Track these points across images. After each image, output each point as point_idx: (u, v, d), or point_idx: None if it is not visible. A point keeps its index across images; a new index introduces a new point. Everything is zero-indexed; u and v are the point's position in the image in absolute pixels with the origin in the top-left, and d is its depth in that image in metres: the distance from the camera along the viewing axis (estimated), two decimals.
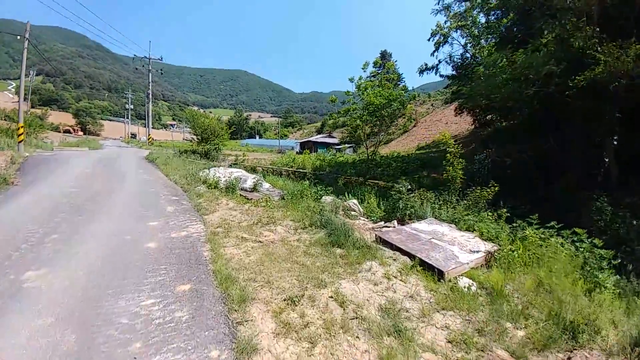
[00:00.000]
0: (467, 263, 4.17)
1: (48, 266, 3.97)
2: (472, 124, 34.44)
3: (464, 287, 3.78)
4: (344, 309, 3.22)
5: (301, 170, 20.88)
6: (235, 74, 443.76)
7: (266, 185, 10.27)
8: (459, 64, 21.79)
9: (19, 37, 17.80)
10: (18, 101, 14.92)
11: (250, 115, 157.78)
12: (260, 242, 5.19)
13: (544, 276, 4.28)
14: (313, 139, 62.10)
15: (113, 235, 5.20)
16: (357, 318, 3.07)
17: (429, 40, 25.76)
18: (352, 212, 7.18)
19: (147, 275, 3.83)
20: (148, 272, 3.94)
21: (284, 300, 3.32)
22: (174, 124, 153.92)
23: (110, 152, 23.68)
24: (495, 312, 3.56)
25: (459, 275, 4.03)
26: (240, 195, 8.96)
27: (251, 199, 8.40)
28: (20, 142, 14.84)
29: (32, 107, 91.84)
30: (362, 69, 18.91)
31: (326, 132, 78.82)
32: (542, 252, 4.82)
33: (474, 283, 3.94)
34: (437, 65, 25.28)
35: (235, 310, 3.08)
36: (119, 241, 4.95)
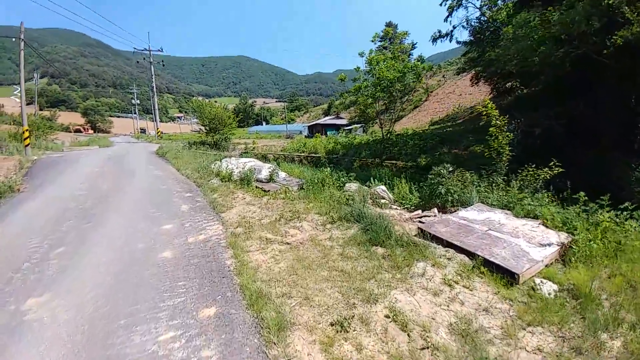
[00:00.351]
0: (541, 260, 3.44)
1: (52, 290, 3.44)
2: (490, 94, 32.76)
3: (547, 293, 3.07)
4: (408, 334, 2.56)
5: (314, 155, 20.14)
6: (237, 60, 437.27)
7: (282, 174, 9.61)
8: (477, 28, 20.14)
9: (14, 39, 17.20)
10: (20, 105, 14.46)
11: (255, 101, 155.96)
12: (287, 243, 4.56)
13: (627, 270, 3.54)
14: (321, 121, 60.81)
15: (124, 244, 4.66)
16: (428, 347, 2.41)
17: (440, 4, 23.96)
18: (382, 200, 6.47)
19: (164, 297, 3.25)
20: (165, 292, 3.36)
21: (331, 324, 2.69)
22: (182, 116, 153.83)
23: (120, 149, 23.36)
24: (589, 321, 2.86)
25: (533, 276, 3.32)
26: (256, 187, 8.34)
27: (268, 190, 7.77)
28: (27, 145, 14.50)
29: (41, 109, 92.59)
30: (372, 41, 17.75)
31: (334, 113, 77.20)
32: (618, 238, 4.05)
33: (554, 285, 3.23)
34: (452, 31, 23.60)
35: (274, 344, 2.47)
36: (131, 252, 4.39)
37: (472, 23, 22.36)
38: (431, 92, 54.40)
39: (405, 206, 6.34)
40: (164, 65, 35.84)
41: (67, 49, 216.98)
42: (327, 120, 59.39)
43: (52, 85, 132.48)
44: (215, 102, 46.69)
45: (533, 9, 12.57)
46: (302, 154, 21.39)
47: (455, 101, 46.47)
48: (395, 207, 6.30)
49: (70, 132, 69.71)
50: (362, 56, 19.63)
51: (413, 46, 17.63)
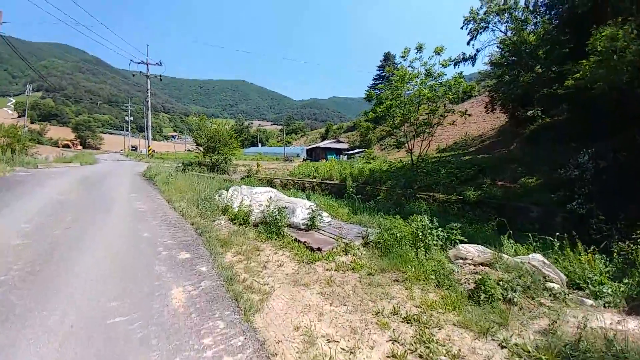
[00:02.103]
0: None
1: None
2: (505, 122, 30.88)
3: None
4: None
5: (331, 183, 17.18)
6: (234, 84, 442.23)
7: (326, 216, 6.53)
8: (512, 50, 18.17)
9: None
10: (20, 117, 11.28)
11: (251, 123, 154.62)
12: None
13: None
14: (322, 144, 58.53)
15: None
16: None
17: (462, 28, 22.25)
18: (551, 285, 3.46)
19: None
20: None
21: None
22: (176, 135, 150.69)
23: (102, 168, 19.97)
24: None
25: None
26: (293, 238, 5.25)
27: (318, 248, 4.68)
28: None
29: (32, 122, 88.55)
30: (402, 56, 15.35)
31: (332, 137, 75.49)
32: None
33: None
34: (475, 55, 21.79)
35: None
36: None
37: (497, 46, 20.66)
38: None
39: (602, 297, 3.31)
40: (161, 79, 33.22)
41: (64, 64, 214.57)
42: (328, 144, 57.19)
43: (45, 99, 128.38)
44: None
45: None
46: (315, 180, 18.44)
47: (460, 129, 44.90)
48: (590, 302, 3.25)
49: (59, 146, 65.61)
50: (389, 74, 17.30)
51: (457, 62, 15.08)
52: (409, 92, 15.64)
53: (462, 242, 4.76)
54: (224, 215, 7.16)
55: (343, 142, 59.13)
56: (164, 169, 15.65)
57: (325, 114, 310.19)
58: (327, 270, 4.05)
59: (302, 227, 5.82)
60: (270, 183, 19.24)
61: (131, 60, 30.72)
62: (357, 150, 49.22)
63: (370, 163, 23.01)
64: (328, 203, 9.81)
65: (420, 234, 4.37)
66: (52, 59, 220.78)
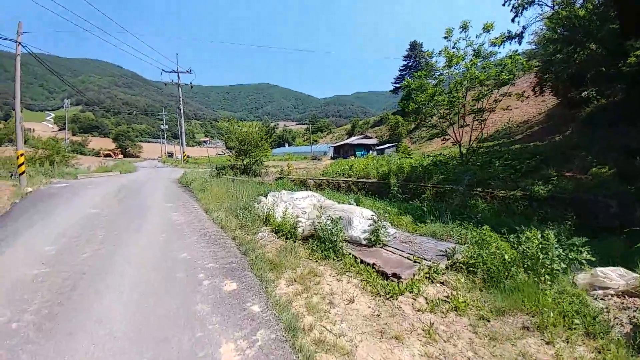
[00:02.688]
0: None
1: None
2: (554, 105, 27.92)
3: None
4: None
5: (368, 181, 16.01)
6: (258, 87, 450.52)
7: (391, 228, 5.42)
8: (565, 25, 15.89)
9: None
10: (15, 118, 11.34)
11: (277, 124, 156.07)
12: None
13: None
14: (349, 141, 57.15)
15: None
16: None
17: (504, 4, 20.03)
18: None
19: None
20: None
21: None
22: (207, 140, 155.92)
23: (140, 176, 20.20)
24: None
25: None
26: (356, 259, 4.24)
27: (393, 274, 3.62)
28: (21, 173, 11.24)
29: (73, 134, 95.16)
30: (445, 37, 13.75)
31: (358, 133, 73.84)
32: None
33: None
34: (522, 32, 19.52)
35: None
36: None
37: (543, 24, 18.33)
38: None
39: None
40: (192, 87, 33.58)
41: (101, 78, 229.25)
42: (356, 140, 55.70)
43: (85, 112, 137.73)
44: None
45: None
46: (350, 179, 17.34)
47: (501, 116, 41.70)
48: None
49: (100, 156, 69.68)
50: (431, 57, 15.79)
51: (503, 41, 13.23)
52: (447, 78, 14.08)
53: (589, 262, 3.49)
54: (265, 225, 6.32)
55: (371, 138, 57.37)
56: (198, 175, 15.31)
57: (350, 110, 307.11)
58: (418, 310, 2.98)
59: (364, 242, 4.78)
60: (303, 184, 18.43)
61: (162, 70, 31.24)
62: (387, 145, 47.36)
63: (407, 158, 21.46)
64: (373, 205, 8.69)
65: (541, 255, 3.16)
66: (88, 75, 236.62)
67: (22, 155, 11.29)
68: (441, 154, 19.65)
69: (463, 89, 13.48)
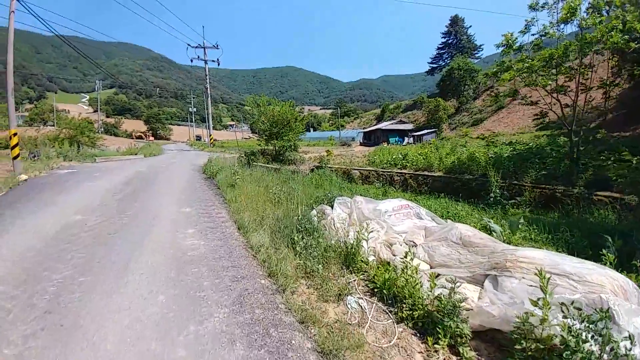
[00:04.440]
0: None
1: None
2: (628, 87, 22.54)
3: None
4: None
5: (431, 175, 12.66)
6: (284, 71, 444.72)
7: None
8: None
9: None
10: (6, 94, 8.95)
11: (302, 109, 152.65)
12: None
13: None
14: (381, 126, 52.91)
15: None
16: None
17: None
18: None
19: None
20: None
21: None
22: (234, 124, 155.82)
23: (163, 161, 17.96)
24: None
25: None
26: None
27: None
28: (15, 157, 8.96)
29: (107, 116, 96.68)
30: None
31: (388, 118, 69.03)
32: None
33: None
34: None
35: None
36: None
37: None
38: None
39: None
40: (219, 64, 30.90)
41: (133, 62, 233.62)
42: (389, 125, 51.40)
43: (118, 95, 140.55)
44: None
45: None
46: (405, 171, 14.03)
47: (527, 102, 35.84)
48: None
49: (133, 138, 70.02)
50: (535, 9, 11.70)
51: None
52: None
53: None
54: (350, 271, 3.35)
55: (406, 122, 52.69)
56: (226, 162, 12.65)
57: (375, 95, 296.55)
58: None
59: None
60: (347, 175, 15.34)
61: (188, 45, 28.66)
62: (425, 131, 42.81)
63: (466, 146, 17.66)
64: (470, 215, 5.49)
65: None
66: (122, 58, 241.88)
67: (15, 135, 8.95)
68: (527, 143, 15.75)
69: (590, 53, 9.57)
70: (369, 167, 15.34)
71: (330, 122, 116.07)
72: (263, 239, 4.10)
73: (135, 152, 25.03)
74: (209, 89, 30.66)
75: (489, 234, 4.45)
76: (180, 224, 4.93)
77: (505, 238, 4.63)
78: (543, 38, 11.20)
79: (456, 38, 68.48)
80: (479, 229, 4.74)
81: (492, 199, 8.83)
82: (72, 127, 21.88)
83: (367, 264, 3.48)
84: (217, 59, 29.65)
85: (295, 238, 3.78)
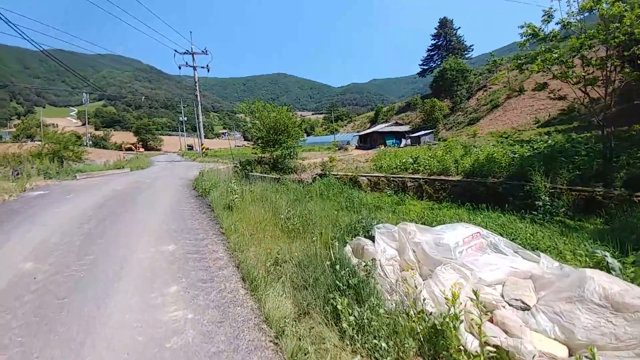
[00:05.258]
0: None
1: None
2: (633, 79, 21.63)
3: None
4: None
5: (449, 180, 11.33)
6: (274, 78, 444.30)
7: None
8: None
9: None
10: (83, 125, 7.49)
11: (295, 114, 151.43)
12: None
13: None
14: (377, 128, 51.87)
15: None
16: None
17: None
18: None
19: None
20: None
21: None
22: (226, 132, 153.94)
23: (149, 175, 16.32)
24: None
25: None
26: None
27: None
28: None
29: (96, 129, 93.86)
30: None
31: (382, 120, 68.24)
32: None
33: None
34: None
35: None
36: None
37: None
38: (516, 88, 43.27)
39: None
40: (209, 71, 29.41)
41: (122, 73, 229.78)
42: (385, 127, 50.39)
43: (107, 107, 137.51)
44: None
45: None
46: (418, 176, 12.69)
47: (544, 100, 35.29)
48: None
49: (122, 150, 67.78)
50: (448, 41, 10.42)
51: None
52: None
53: None
54: None
55: (402, 124, 51.73)
56: (220, 173, 11.13)
57: (366, 98, 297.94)
58: None
59: None
60: (354, 182, 13.94)
61: (175, 52, 27.15)
62: (422, 132, 41.77)
63: (518, 146, 16.43)
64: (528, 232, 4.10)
65: None
66: (109, 69, 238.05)
67: None
68: (545, 141, 14.55)
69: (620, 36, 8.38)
70: (378, 173, 13.95)
71: (323, 126, 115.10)
72: (283, 303, 2.63)
73: (122, 165, 23.25)
74: (199, 97, 29.11)
75: (607, 272, 3.07)
76: (158, 276, 3.41)
77: (626, 276, 3.25)
78: (562, 30, 10.14)
79: (446, 40, 68.27)
80: (584, 265, 3.36)
81: (540, 208, 7.49)
82: (55, 142, 20.15)
83: (468, 357, 2.04)
84: (207, 65, 28.17)
85: (339, 306, 2.33)
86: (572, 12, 9.81)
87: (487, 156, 11.97)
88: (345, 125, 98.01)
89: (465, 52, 68.57)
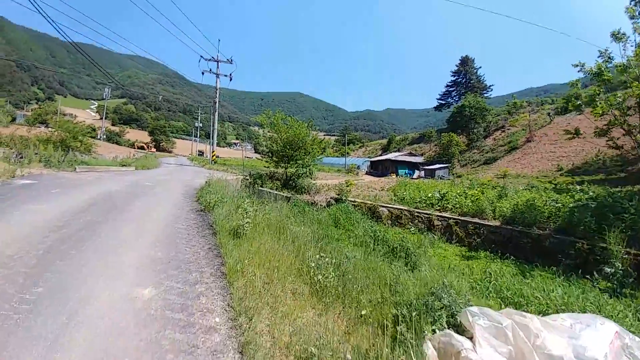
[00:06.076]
0: None
1: None
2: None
3: None
4: None
5: (483, 223, 9.87)
6: (291, 96, 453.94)
7: None
8: None
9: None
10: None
11: (317, 134, 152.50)
12: None
13: None
14: (391, 156, 50.77)
15: None
16: None
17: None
18: None
19: None
20: None
21: None
22: (237, 143, 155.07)
23: (154, 176, 15.21)
24: None
25: None
26: None
27: None
28: None
29: (113, 124, 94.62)
30: None
31: (394, 149, 67.36)
32: None
33: None
34: None
35: None
36: None
37: None
38: (535, 131, 42.18)
39: None
40: (231, 79, 29.05)
41: (146, 75, 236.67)
42: (399, 156, 49.29)
43: (128, 105, 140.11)
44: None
45: None
46: (447, 215, 11.25)
47: (578, 145, 33.98)
48: None
49: (135, 148, 67.70)
50: (619, 38, 9.54)
51: None
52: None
53: None
54: None
55: (416, 155, 50.65)
56: (228, 186, 9.88)
57: (379, 126, 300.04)
58: None
59: None
60: (372, 212, 12.54)
61: (201, 57, 26.92)
62: (438, 166, 40.46)
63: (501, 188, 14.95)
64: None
65: None
66: (135, 70, 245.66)
67: None
68: (585, 191, 13.11)
69: None
70: (400, 206, 12.54)
71: (335, 148, 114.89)
72: None
73: (128, 163, 22.28)
74: (217, 103, 28.57)
75: None
76: None
77: None
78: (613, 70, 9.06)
79: (466, 77, 68.47)
80: None
81: (610, 276, 6.02)
82: (64, 130, 19.36)
83: None
84: (230, 74, 27.81)
85: None
86: (630, 57, 8.73)
87: (526, 202, 10.55)
88: (357, 150, 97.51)
89: (484, 92, 68.44)
